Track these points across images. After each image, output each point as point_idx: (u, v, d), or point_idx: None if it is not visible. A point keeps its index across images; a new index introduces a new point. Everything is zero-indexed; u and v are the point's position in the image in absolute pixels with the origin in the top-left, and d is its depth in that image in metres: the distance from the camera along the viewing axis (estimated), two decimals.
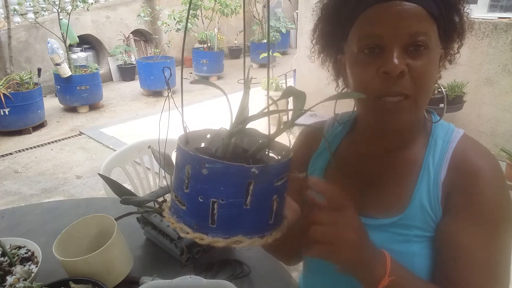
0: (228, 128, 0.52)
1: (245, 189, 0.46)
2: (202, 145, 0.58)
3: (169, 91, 0.65)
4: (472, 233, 0.62)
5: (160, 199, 1.06)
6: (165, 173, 0.96)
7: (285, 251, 0.84)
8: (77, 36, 5.48)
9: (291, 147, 0.56)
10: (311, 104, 0.48)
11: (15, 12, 5.21)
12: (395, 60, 0.57)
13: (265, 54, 5.81)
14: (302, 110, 0.49)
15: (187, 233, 0.48)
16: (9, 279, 0.86)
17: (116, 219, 0.91)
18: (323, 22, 0.71)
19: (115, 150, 1.89)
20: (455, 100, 2.68)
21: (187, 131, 0.54)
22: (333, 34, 0.69)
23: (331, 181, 0.79)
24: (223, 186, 0.45)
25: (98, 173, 1.12)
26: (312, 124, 0.90)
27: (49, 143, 4.17)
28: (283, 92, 0.49)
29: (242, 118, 0.50)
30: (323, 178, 0.80)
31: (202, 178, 0.46)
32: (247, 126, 0.51)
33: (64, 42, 5.04)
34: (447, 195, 0.66)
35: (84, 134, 4.40)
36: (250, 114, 0.50)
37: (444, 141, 0.69)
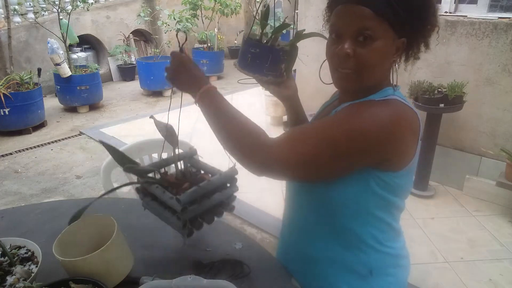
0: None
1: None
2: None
3: (171, 91, 0.66)
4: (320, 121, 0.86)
5: (162, 170, 1.04)
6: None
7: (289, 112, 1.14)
8: (77, 36, 5.48)
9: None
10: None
11: (15, 12, 5.21)
12: (345, 46, 0.81)
13: None
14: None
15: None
16: (9, 279, 0.86)
17: (115, 189, 0.87)
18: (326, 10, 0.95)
19: None
20: (455, 100, 2.67)
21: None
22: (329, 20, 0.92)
23: None
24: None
25: (99, 140, 1.10)
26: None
27: (49, 143, 4.17)
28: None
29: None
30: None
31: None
32: None
33: (64, 42, 5.04)
34: None
35: (84, 134, 4.40)
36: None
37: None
